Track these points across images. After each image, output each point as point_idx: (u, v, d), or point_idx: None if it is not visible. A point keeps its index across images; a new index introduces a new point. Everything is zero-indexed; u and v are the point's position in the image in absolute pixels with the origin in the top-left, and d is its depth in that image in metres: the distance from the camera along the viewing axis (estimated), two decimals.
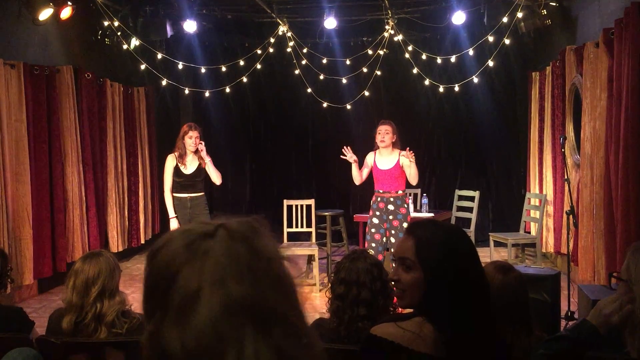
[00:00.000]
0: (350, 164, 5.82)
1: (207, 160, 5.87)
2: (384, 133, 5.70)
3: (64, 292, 2.69)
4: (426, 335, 1.58)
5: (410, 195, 7.78)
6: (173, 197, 5.89)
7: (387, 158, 5.76)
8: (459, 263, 1.63)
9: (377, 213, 5.75)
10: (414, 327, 1.61)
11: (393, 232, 5.67)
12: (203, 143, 5.87)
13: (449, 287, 1.59)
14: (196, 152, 5.88)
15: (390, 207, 5.71)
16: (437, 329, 1.58)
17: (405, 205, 5.77)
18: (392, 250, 5.58)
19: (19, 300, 5.98)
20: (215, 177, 5.94)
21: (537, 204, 7.53)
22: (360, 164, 5.87)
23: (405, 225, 5.67)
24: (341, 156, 5.81)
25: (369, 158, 5.89)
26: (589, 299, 3.80)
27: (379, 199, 5.77)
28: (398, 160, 5.71)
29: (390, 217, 5.69)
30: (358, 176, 5.82)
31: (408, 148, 5.60)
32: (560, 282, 4.18)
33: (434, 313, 1.60)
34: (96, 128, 7.39)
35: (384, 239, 5.74)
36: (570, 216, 5.26)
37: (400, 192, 5.76)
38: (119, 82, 7.94)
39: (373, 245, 5.71)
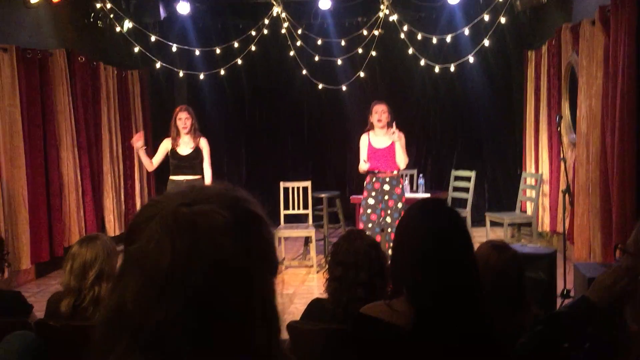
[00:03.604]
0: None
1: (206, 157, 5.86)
2: (381, 112, 5.70)
3: (61, 276, 2.70)
4: (403, 310, 1.67)
5: (406, 175, 7.79)
6: (170, 180, 5.87)
7: (383, 138, 5.76)
8: (415, 240, 1.72)
9: (373, 194, 5.76)
10: (398, 304, 1.70)
11: (389, 212, 5.69)
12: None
13: (410, 264, 1.70)
14: (192, 133, 5.85)
15: (386, 187, 5.72)
16: (410, 303, 1.67)
17: (400, 186, 5.78)
18: (390, 230, 5.64)
19: (17, 285, 5.99)
20: (208, 180, 5.92)
21: (533, 183, 7.55)
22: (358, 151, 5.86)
23: (400, 205, 5.68)
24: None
25: (363, 140, 5.88)
26: (584, 277, 3.82)
27: (374, 179, 5.77)
28: (393, 141, 5.71)
29: (386, 197, 5.71)
30: (365, 165, 5.79)
31: (395, 124, 5.63)
32: (556, 260, 4.21)
33: (403, 288, 1.73)
34: (90, 112, 7.35)
35: (380, 219, 5.75)
36: (566, 195, 5.28)
37: (395, 172, 5.77)
38: (112, 65, 7.88)
39: (370, 226, 5.73)
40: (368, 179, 5.84)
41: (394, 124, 5.65)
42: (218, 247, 0.74)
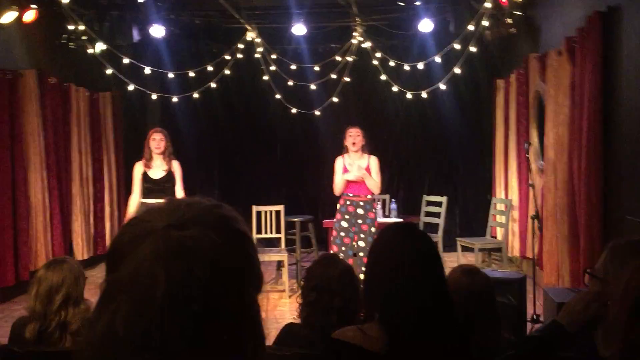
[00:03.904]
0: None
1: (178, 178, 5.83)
2: (355, 135, 5.75)
3: (27, 300, 2.63)
4: (376, 335, 1.67)
5: (379, 200, 7.83)
6: (141, 203, 5.80)
7: (357, 162, 5.80)
8: (387, 263, 1.73)
9: (347, 217, 5.76)
10: (370, 329, 1.70)
11: (362, 235, 5.70)
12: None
13: (382, 288, 1.73)
14: (164, 155, 5.81)
15: (360, 211, 5.73)
16: (382, 329, 1.68)
17: (374, 210, 5.81)
18: (362, 254, 5.65)
19: None
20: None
21: (503, 209, 7.65)
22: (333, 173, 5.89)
23: (373, 229, 5.70)
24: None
25: (338, 163, 5.91)
26: (553, 301, 3.86)
27: (347, 202, 5.79)
28: (368, 164, 5.75)
29: (359, 220, 5.72)
30: (342, 185, 5.79)
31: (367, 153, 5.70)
32: (526, 285, 4.25)
33: (375, 312, 1.74)
34: (61, 133, 7.25)
35: (353, 243, 5.76)
36: (535, 221, 5.36)
37: (369, 196, 5.80)
38: (84, 86, 7.81)
39: (343, 249, 5.72)
40: (342, 201, 5.84)
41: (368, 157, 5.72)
42: (212, 272, 0.74)
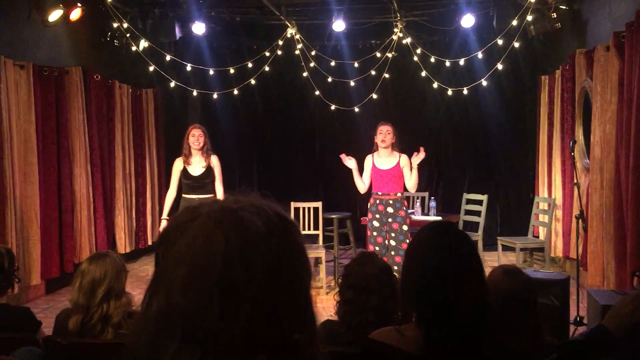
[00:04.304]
0: (359, 168, 5.80)
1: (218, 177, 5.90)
2: (385, 133, 5.69)
3: (70, 292, 2.69)
4: (413, 337, 1.65)
5: (418, 198, 7.76)
6: (182, 198, 5.88)
7: (387, 159, 5.73)
8: (424, 263, 1.71)
9: (377, 216, 5.72)
10: (407, 330, 1.68)
11: (393, 234, 5.65)
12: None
13: (419, 288, 1.70)
14: (202, 151, 5.87)
15: (390, 209, 5.67)
16: (420, 329, 1.66)
17: (404, 208, 5.73)
18: (393, 253, 5.60)
19: (27, 301, 5.99)
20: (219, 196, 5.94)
21: (546, 208, 7.48)
22: (360, 170, 5.83)
23: (405, 227, 5.64)
24: (344, 159, 5.80)
25: (367, 161, 5.86)
26: (598, 304, 3.76)
27: (377, 201, 5.73)
28: (398, 162, 5.69)
29: (390, 219, 5.66)
30: (361, 183, 5.78)
31: (422, 148, 5.60)
32: (569, 287, 4.15)
33: (413, 313, 1.73)
34: (104, 129, 7.41)
35: (385, 242, 5.71)
36: (580, 220, 5.22)
37: (399, 194, 5.72)
38: (127, 83, 7.96)
39: (377, 248, 5.68)
40: (372, 200, 5.79)
41: (421, 149, 5.61)
42: (270, 245, 0.74)
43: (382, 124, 5.79)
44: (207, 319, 0.69)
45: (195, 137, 5.81)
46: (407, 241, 5.60)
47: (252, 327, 0.71)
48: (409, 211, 7.12)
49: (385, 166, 5.71)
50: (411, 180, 5.65)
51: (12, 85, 5.73)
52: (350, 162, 5.76)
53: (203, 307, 0.70)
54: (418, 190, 6.42)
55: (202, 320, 0.69)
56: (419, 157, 5.58)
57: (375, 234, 5.73)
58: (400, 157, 5.71)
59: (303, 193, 9.08)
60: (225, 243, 0.71)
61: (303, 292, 0.78)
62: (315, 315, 0.80)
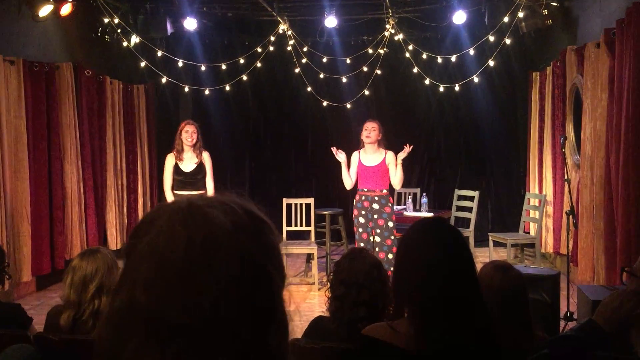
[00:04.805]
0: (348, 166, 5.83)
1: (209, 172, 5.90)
2: (371, 129, 5.72)
3: (62, 289, 2.68)
4: (406, 332, 1.66)
5: (409, 194, 7.78)
6: (173, 194, 5.87)
7: (373, 156, 5.76)
8: (416, 259, 1.72)
9: (363, 212, 5.74)
10: (400, 325, 1.69)
11: (378, 231, 5.67)
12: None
13: (412, 284, 1.71)
14: (194, 148, 5.86)
15: (375, 206, 5.69)
16: (412, 324, 1.67)
17: (390, 204, 5.75)
18: (377, 249, 5.62)
19: (17, 297, 5.97)
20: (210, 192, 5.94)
21: (537, 204, 7.52)
22: (349, 166, 5.88)
23: (390, 224, 5.66)
24: (335, 153, 5.84)
25: (354, 157, 5.89)
26: (588, 299, 3.79)
27: (363, 197, 5.76)
28: (384, 159, 5.71)
29: (375, 216, 5.68)
30: (348, 178, 5.83)
31: (408, 145, 5.65)
32: (559, 282, 4.18)
33: (405, 308, 1.74)
34: (95, 125, 7.38)
35: (370, 238, 5.73)
36: (570, 216, 5.25)
37: (384, 190, 5.75)
38: (118, 79, 7.92)
39: (362, 245, 5.70)
40: (357, 197, 5.82)
41: (407, 146, 5.66)
42: (235, 242, 0.73)
43: (369, 120, 5.85)
44: (168, 315, 0.69)
45: (189, 133, 5.80)
46: (392, 237, 5.63)
47: (217, 323, 0.70)
48: (400, 208, 7.16)
49: (371, 163, 5.73)
50: (396, 177, 5.68)
51: (2, 81, 5.69)
52: (340, 156, 5.79)
53: (164, 303, 0.69)
54: (410, 186, 6.45)
55: (163, 316, 0.69)
56: (405, 151, 5.63)
57: (360, 230, 5.75)
58: (386, 153, 5.74)
59: (295, 189, 9.09)
60: (186, 238, 0.71)
61: (273, 290, 0.76)
62: (286, 315, 0.78)
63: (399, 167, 5.65)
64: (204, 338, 0.70)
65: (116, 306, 0.73)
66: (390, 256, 5.55)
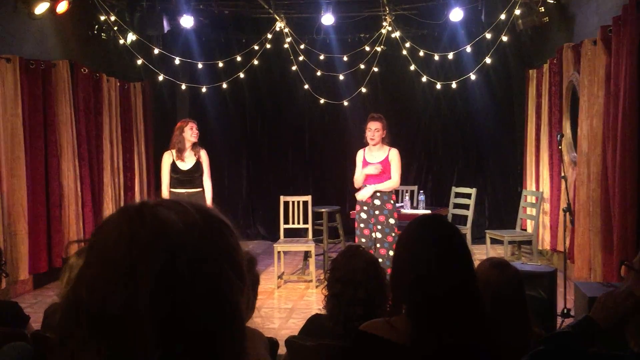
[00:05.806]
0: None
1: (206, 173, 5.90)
2: (374, 131, 5.70)
3: (58, 287, 2.68)
4: (404, 328, 1.67)
5: (407, 192, 7.78)
6: (170, 192, 5.87)
7: (377, 153, 5.78)
8: (414, 255, 1.73)
9: (365, 208, 5.75)
10: (398, 321, 1.69)
11: (379, 227, 5.67)
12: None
13: (409, 280, 1.71)
14: (194, 147, 5.87)
15: (377, 202, 5.70)
16: (410, 321, 1.68)
17: (392, 201, 5.76)
18: (378, 245, 5.63)
19: (15, 296, 5.96)
20: (208, 193, 5.95)
21: (534, 201, 7.53)
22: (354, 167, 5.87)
23: (391, 221, 5.67)
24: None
25: (359, 155, 5.89)
26: (585, 296, 3.80)
27: None
28: (387, 155, 5.71)
29: (377, 212, 5.69)
30: (362, 178, 5.78)
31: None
32: (556, 279, 4.18)
33: (402, 305, 1.74)
34: (92, 123, 7.36)
35: (372, 234, 5.74)
36: (567, 213, 5.26)
37: None
38: (115, 77, 7.90)
39: (363, 240, 5.71)
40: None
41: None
42: (184, 241, 0.72)
43: (371, 120, 5.76)
44: (107, 311, 0.70)
45: (194, 131, 5.85)
46: (393, 234, 5.64)
47: (156, 320, 0.69)
48: (398, 205, 7.15)
49: (375, 159, 5.75)
50: (393, 178, 5.69)
51: None
52: (366, 190, 5.72)
53: (104, 299, 0.70)
54: (407, 183, 6.45)
55: (102, 312, 0.70)
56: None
57: (362, 225, 5.75)
58: (389, 150, 5.74)
59: (292, 187, 9.09)
60: (130, 236, 0.71)
61: (226, 292, 0.74)
62: (242, 315, 0.76)
63: (397, 167, 5.68)
64: (141, 334, 0.69)
65: (63, 303, 0.75)
66: (391, 253, 5.55)
